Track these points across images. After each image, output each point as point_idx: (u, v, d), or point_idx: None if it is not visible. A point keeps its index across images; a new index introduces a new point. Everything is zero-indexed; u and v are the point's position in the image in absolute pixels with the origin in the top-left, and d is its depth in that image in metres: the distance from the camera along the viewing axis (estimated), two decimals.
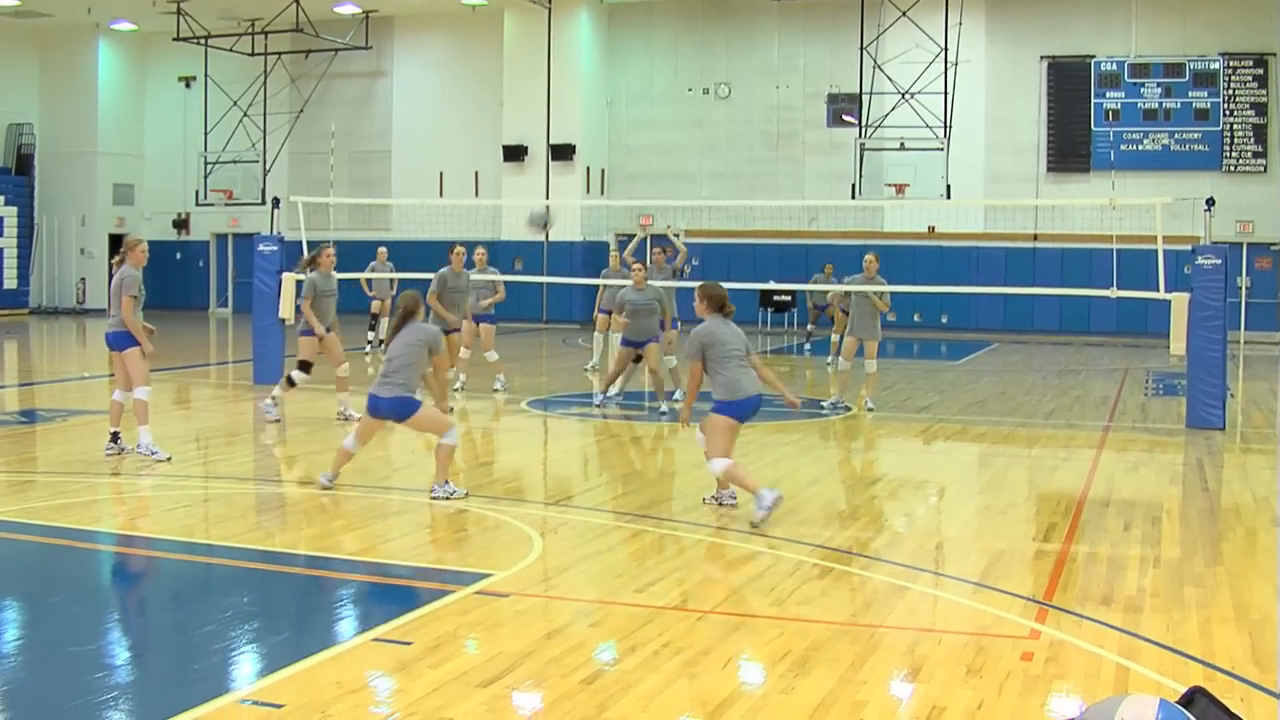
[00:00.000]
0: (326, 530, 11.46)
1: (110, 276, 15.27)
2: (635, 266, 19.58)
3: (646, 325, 18.80)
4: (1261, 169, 35.68)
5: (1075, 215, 34.31)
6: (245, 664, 7.78)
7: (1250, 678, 7.58)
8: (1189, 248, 18.75)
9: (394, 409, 12.53)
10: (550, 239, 38.11)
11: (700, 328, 12.12)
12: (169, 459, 14.56)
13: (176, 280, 45.66)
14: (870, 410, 19.62)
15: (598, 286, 24.63)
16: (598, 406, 19.67)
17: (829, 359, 25.04)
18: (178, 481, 13.56)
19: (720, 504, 12.26)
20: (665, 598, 9.12)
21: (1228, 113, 35.87)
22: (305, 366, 17.93)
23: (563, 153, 38.97)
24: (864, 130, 33.97)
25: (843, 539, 11.13)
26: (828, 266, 29.16)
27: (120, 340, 14.83)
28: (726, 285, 18.64)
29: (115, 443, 14.95)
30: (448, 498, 12.44)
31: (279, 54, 41.52)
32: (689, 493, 13.26)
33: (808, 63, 39.07)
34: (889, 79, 33.85)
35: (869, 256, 20.22)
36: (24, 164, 44.14)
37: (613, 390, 20.23)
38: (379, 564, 10.19)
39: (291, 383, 17.99)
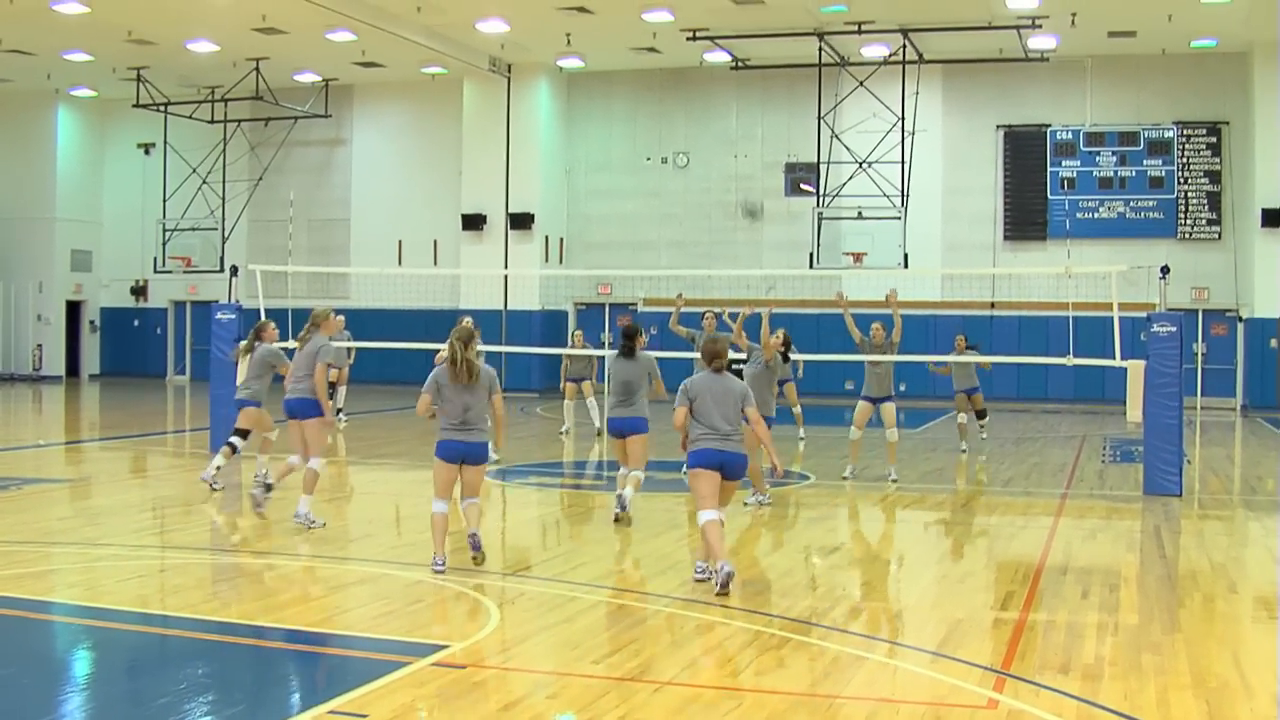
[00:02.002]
0: (283, 601, 11.39)
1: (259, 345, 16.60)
2: (779, 333, 18.13)
3: (764, 399, 16.66)
4: (1216, 236, 35.98)
5: (1032, 283, 34.50)
6: None
7: None
8: (1145, 315, 18.86)
9: (479, 451, 12.57)
10: (508, 308, 38.14)
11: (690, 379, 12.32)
12: (324, 525, 14.90)
13: (134, 347, 45.50)
14: (894, 481, 19.50)
15: (559, 356, 24.64)
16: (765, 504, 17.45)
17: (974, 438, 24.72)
18: (134, 551, 13.47)
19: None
20: (623, 669, 9.09)
21: (1182, 181, 36.19)
22: (244, 434, 18.11)
23: (521, 222, 39.02)
24: (822, 199, 34.15)
25: (801, 609, 11.11)
26: (960, 339, 26.43)
27: (307, 408, 15.20)
28: (685, 355, 18.72)
29: (266, 492, 15.50)
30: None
31: (238, 121, 41.53)
32: (647, 562, 13.23)
33: (766, 132, 39.28)
34: (846, 148, 34.08)
35: (875, 325, 20.63)
36: None
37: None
38: (335, 635, 10.12)
39: (234, 449, 18.08)
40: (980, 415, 24.50)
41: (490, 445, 13.01)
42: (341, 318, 28.94)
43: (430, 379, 12.47)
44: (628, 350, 15.53)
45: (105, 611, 10.86)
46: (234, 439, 18.02)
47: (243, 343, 17.95)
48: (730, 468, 11.89)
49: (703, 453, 11.89)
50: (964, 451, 23.90)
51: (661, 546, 14.28)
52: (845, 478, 19.78)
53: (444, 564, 12.34)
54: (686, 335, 20.78)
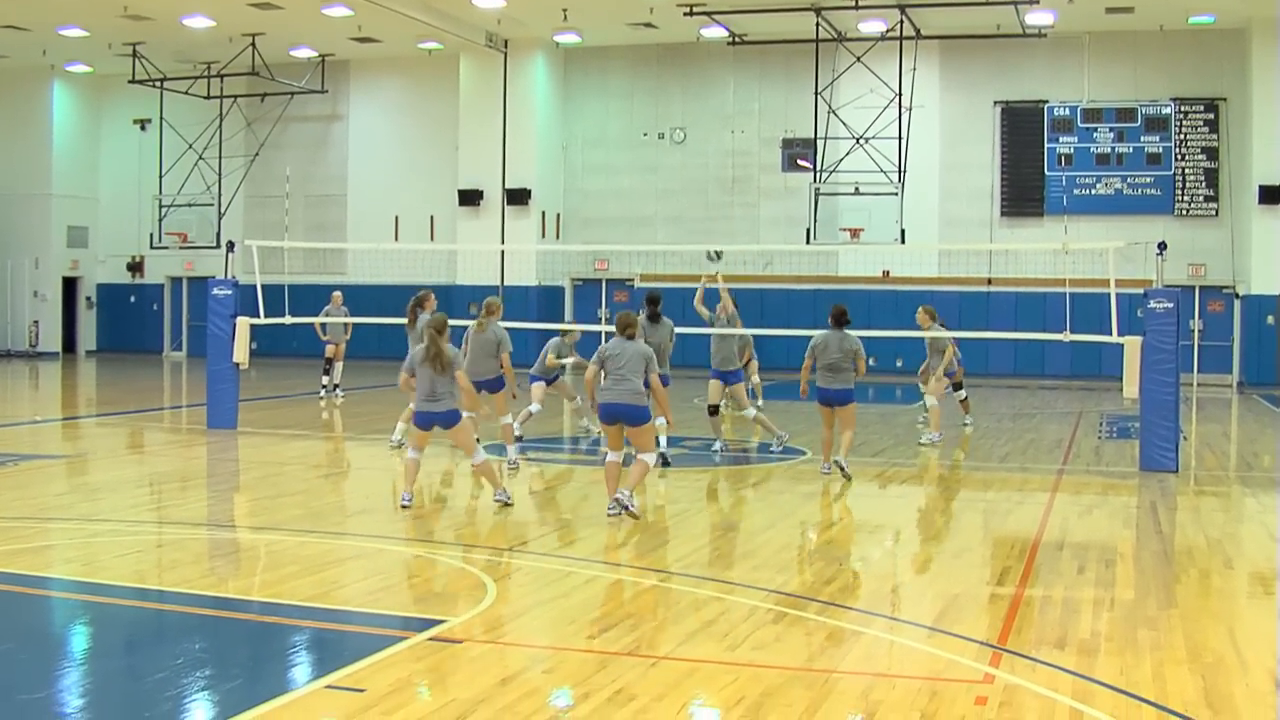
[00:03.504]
0: (279, 576, 11.40)
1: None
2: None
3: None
4: (1213, 213, 35.96)
5: (1029, 259, 34.45)
6: (197, 711, 7.71)
7: None
8: (1141, 291, 18.84)
9: (450, 417, 14.56)
10: (505, 283, 38.10)
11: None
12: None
13: (130, 323, 45.46)
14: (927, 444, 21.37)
15: (558, 332, 24.64)
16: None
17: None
18: (131, 527, 13.47)
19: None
20: (619, 644, 9.09)
21: (1179, 157, 36.15)
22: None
23: (518, 197, 38.94)
24: (819, 175, 34.08)
25: (797, 583, 11.13)
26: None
27: (495, 385, 17.55)
28: (681, 330, 18.81)
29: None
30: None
31: (235, 97, 41.41)
32: (643, 538, 13.24)
33: (763, 108, 39.21)
34: (844, 124, 34.01)
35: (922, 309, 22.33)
36: None
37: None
38: (332, 610, 10.12)
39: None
40: (957, 388, 24.30)
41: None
42: (339, 293, 29.03)
43: (409, 359, 14.81)
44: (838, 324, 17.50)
45: (102, 587, 10.86)
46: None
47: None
48: (624, 417, 13.98)
49: (601, 406, 14.14)
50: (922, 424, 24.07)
51: (658, 521, 14.29)
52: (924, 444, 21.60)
53: (410, 500, 14.68)
54: (706, 318, 20.78)
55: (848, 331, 17.37)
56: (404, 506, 14.48)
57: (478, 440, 15.11)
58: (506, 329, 17.38)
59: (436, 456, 18.76)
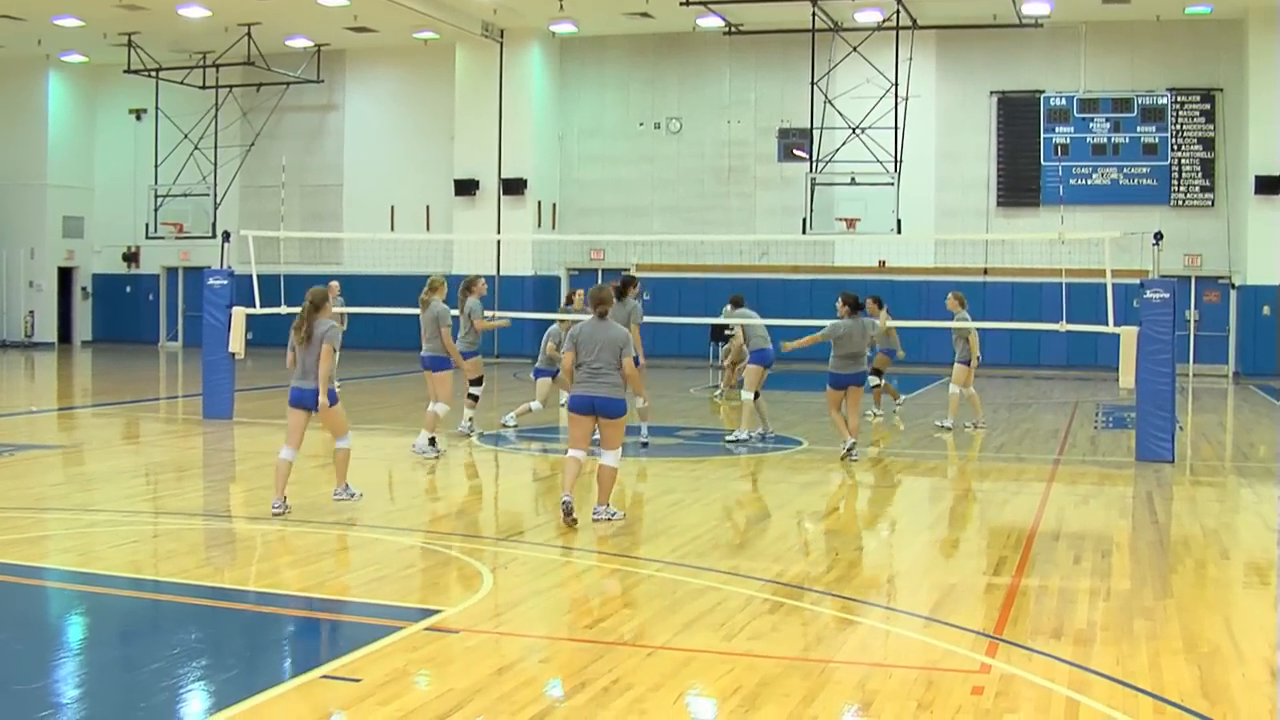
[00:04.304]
0: (275, 566, 11.40)
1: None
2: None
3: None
4: (1209, 203, 35.96)
5: (1025, 249, 34.48)
6: (193, 701, 7.71)
7: (1200, 710, 7.60)
8: (1138, 281, 18.86)
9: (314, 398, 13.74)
10: (501, 273, 38.08)
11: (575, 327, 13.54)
12: (438, 455, 17.93)
13: (126, 313, 45.43)
14: (939, 426, 22.31)
15: (553, 321, 24.57)
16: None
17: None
18: (127, 517, 13.46)
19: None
20: (615, 633, 9.09)
21: (1175, 147, 36.14)
22: (478, 382, 20.04)
23: (514, 187, 38.93)
24: (815, 165, 34.01)
25: (794, 573, 11.12)
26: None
27: (440, 363, 18.04)
28: (677, 320, 18.82)
29: (434, 445, 18.18)
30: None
31: (230, 87, 41.39)
32: (639, 527, 13.22)
33: (759, 97, 39.20)
34: (840, 114, 33.95)
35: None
36: None
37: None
38: (328, 600, 10.12)
39: (475, 399, 20.23)
40: (876, 373, 23.70)
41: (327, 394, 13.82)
42: (336, 283, 28.96)
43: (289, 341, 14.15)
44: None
45: (98, 577, 10.84)
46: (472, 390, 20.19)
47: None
48: (600, 409, 13.03)
49: (574, 398, 13.22)
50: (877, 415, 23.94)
51: (655, 511, 14.28)
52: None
53: (281, 506, 13.42)
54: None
55: (864, 317, 17.79)
56: (275, 513, 13.35)
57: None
58: (504, 318, 17.38)
59: (453, 449, 18.77)
